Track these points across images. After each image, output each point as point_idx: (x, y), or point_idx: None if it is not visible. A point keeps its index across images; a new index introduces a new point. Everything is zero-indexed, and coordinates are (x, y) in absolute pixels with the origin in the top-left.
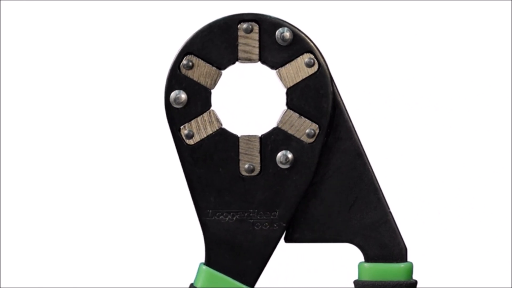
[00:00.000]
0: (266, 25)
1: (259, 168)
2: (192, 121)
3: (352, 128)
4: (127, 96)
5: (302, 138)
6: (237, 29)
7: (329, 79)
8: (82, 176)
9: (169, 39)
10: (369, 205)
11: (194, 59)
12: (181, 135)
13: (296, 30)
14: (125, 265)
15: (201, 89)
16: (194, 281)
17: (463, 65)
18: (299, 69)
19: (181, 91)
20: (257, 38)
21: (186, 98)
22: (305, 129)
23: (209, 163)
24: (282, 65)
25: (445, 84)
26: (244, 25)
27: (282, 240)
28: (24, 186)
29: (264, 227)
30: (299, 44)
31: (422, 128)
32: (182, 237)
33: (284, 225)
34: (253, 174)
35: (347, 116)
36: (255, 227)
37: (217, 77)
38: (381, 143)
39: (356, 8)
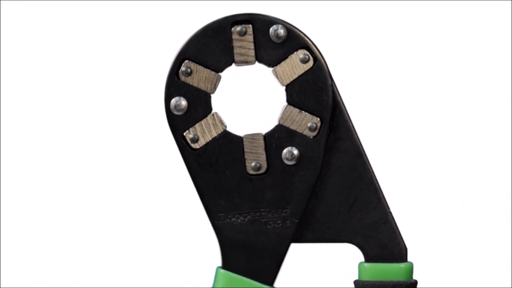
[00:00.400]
0: (260, 24)
1: (265, 165)
2: (196, 125)
3: (352, 128)
4: (127, 96)
5: (304, 133)
6: (231, 32)
7: (327, 72)
8: (91, 180)
9: (165, 39)
10: (369, 205)
11: (192, 65)
12: (184, 142)
13: (290, 26)
14: (133, 270)
15: (201, 94)
16: (213, 285)
17: (463, 65)
18: (295, 66)
19: (181, 97)
20: (252, 40)
21: (187, 104)
22: (306, 123)
23: (215, 167)
24: (279, 62)
25: (445, 84)
26: (238, 28)
27: None
28: (24, 186)
29: (276, 225)
30: (294, 40)
31: (422, 128)
32: (191, 241)
33: (297, 221)
34: (260, 172)
35: (347, 116)
36: (268, 226)
37: (216, 81)
38: (381, 143)
39: (356, 8)
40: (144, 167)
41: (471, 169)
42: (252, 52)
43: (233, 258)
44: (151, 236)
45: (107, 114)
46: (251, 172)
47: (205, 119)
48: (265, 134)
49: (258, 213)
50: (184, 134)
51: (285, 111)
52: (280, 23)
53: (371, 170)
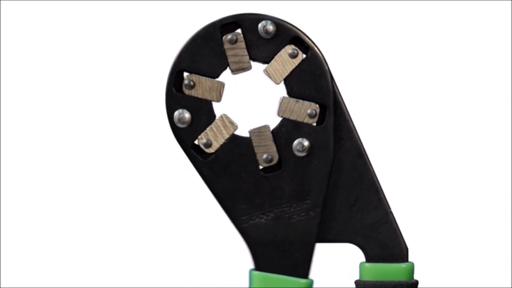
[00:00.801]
0: (247, 23)
1: (277, 156)
2: (207, 130)
3: (353, 128)
4: (127, 96)
5: (305, 121)
6: (220, 36)
7: (323, 59)
8: (91, 180)
9: (165, 39)
10: (370, 205)
11: (194, 77)
12: (195, 151)
13: (278, 20)
14: (133, 270)
15: (202, 103)
16: None
17: (463, 65)
18: (285, 62)
19: (184, 110)
20: (244, 46)
21: (190, 116)
22: (305, 111)
23: (229, 172)
24: (273, 57)
25: (445, 84)
26: (229, 36)
27: None
28: (24, 186)
29: (301, 218)
30: (285, 33)
31: (422, 128)
32: (193, 241)
33: (319, 210)
34: (272, 163)
35: (348, 116)
36: (292, 220)
37: (221, 89)
38: (382, 143)
39: (356, 8)
40: (146, 167)
41: (471, 169)
42: (247, 58)
43: (265, 258)
44: (152, 236)
45: (107, 114)
46: (264, 165)
47: (214, 122)
48: (272, 130)
49: (280, 210)
50: (196, 142)
51: (282, 103)
52: (267, 19)
53: (372, 170)
